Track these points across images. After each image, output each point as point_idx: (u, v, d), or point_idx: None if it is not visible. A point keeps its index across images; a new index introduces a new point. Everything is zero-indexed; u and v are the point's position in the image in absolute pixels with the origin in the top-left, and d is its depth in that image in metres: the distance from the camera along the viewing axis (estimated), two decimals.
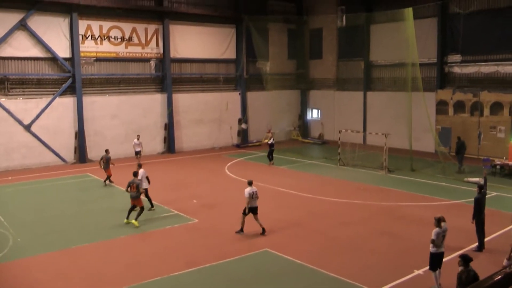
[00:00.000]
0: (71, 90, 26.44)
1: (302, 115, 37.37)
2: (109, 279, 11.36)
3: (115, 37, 27.85)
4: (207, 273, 11.59)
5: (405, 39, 24.25)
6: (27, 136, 25.19)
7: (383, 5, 30.94)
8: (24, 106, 25.14)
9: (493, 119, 26.10)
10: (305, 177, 22.86)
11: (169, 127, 30.06)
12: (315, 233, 14.47)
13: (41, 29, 25.23)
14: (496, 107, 25.91)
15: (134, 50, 28.69)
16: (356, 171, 23.85)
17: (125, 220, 15.39)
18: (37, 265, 12.26)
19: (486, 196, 13.68)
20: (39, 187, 21.14)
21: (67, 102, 26.36)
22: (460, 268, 8.60)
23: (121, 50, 28.12)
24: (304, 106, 37.31)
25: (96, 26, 27.11)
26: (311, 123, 37.29)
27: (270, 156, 25.86)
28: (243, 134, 33.64)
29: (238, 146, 32.52)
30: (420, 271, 11.35)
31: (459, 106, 27.51)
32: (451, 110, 27.93)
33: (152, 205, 16.97)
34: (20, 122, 24.93)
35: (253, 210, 14.06)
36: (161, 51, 29.68)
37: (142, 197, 15.84)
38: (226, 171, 24.27)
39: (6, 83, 24.77)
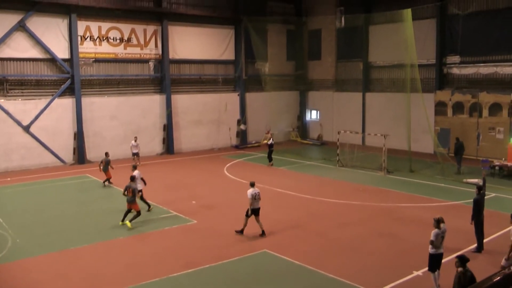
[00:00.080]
0: (70, 91, 26.44)
1: (301, 116, 37.40)
2: (109, 280, 11.36)
3: (114, 38, 27.86)
4: (206, 274, 11.59)
5: (404, 40, 24.31)
6: (26, 137, 25.19)
7: (382, 6, 31.02)
8: (23, 107, 25.13)
9: (492, 120, 26.11)
10: (304, 178, 22.88)
11: (168, 128, 30.06)
12: (314, 234, 14.48)
13: (40, 30, 25.24)
14: (495, 108, 25.92)
15: (133, 51, 28.69)
16: (355, 172, 23.87)
17: (120, 223, 15.38)
18: (37, 266, 12.26)
19: (485, 197, 13.70)
20: (38, 188, 21.12)
21: (66, 103, 26.36)
22: (460, 269, 8.57)
23: (120, 51, 28.13)
24: (303, 107, 37.32)
25: (95, 27, 27.12)
26: (310, 124, 37.30)
27: (269, 157, 25.89)
28: (242, 135, 33.64)
29: (237, 147, 32.52)
30: (419, 272, 11.36)
31: (458, 107, 27.52)
32: (450, 111, 27.93)
33: (149, 206, 16.93)
34: (19, 123, 24.93)
35: (256, 212, 14.04)
36: (160, 52, 29.69)
37: (138, 200, 15.82)
38: (225, 172, 24.27)
39: (5, 84, 24.76)
